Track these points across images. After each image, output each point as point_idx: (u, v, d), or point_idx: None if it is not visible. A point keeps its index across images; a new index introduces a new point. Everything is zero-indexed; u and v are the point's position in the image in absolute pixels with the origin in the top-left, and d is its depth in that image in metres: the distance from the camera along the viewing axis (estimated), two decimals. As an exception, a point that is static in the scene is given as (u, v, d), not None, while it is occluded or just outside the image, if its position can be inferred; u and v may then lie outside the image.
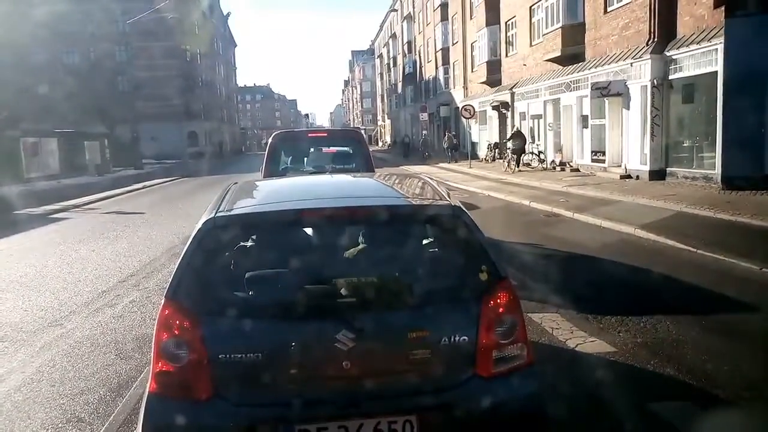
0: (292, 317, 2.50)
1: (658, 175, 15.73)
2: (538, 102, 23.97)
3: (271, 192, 3.78)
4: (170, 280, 2.54)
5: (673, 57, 14.86)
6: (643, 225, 9.90)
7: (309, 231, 3.30)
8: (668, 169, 15.68)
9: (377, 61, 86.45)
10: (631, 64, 16.35)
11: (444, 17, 40.65)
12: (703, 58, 13.77)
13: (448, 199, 3.03)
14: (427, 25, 46.96)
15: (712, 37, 13.18)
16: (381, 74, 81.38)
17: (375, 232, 3.23)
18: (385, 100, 78.05)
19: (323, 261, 3.02)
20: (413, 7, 53.11)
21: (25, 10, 33.35)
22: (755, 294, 6.18)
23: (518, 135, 22.67)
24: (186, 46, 54.43)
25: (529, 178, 19.43)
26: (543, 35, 22.25)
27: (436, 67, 43.55)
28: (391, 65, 68.06)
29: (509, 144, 22.92)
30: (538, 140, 24.73)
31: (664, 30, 15.21)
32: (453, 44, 39.31)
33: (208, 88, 63.39)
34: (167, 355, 2.45)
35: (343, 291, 2.60)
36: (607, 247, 8.88)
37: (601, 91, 17.53)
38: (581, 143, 20.48)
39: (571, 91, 20.52)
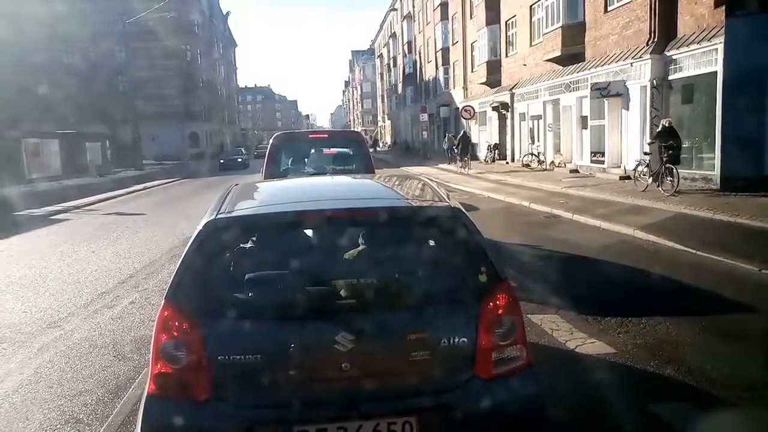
0: (292, 318, 2.51)
1: (657, 176, 15.71)
2: (537, 102, 23.97)
3: (272, 194, 3.79)
4: (170, 281, 2.55)
5: (673, 57, 14.86)
6: (643, 226, 9.90)
7: (309, 232, 3.30)
8: (668, 170, 15.66)
9: (377, 61, 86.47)
10: (631, 64, 16.35)
11: (444, 17, 40.66)
12: (702, 58, 13.76)
13: (447, 200, 3.04)
14: (427, 24, 46.96)
15: (712, 37, 13.18)
16: (381, 74, 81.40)
17: (375, 234, 3.23)
18: (386, 101, 78.07)
19: (323, 262, 3.02)
20: (413, 7, 53.13)
21: (25, 10, 33.35)
22: (754, 295, 6.17)
23: (672, 132, 13.50)
24: (186, 46, 54.41)
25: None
26: (543, 35, 22.26)
27: (436, 68, 43.56)
28: (391, 65, 68.07)
29: (653, 146, 13.95)
30: (538, 141, 24.75)
31: (664, 30, 15.21)
32: (453, 44, 39.31)
33: (208, 88, 63.37)
34: (166, 356, 2.45)
35: (342, 292, 2.61)
36: (606, 249, 8.87)
37: (601, 91, 17.54)
38: (581, 144, 20.49)
39: (570, 91, 20.52)
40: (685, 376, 4.18)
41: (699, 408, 3.76)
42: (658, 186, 13.49)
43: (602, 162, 18.81)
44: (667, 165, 13.21)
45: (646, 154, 14.38)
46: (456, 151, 27.04)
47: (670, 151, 13.12)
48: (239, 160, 40.33)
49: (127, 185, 26.05)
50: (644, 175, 14.23)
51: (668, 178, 13.19)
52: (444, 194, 3.19)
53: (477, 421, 2.44)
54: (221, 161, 40.34)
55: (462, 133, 28.90)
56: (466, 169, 24.98)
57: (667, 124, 13.67)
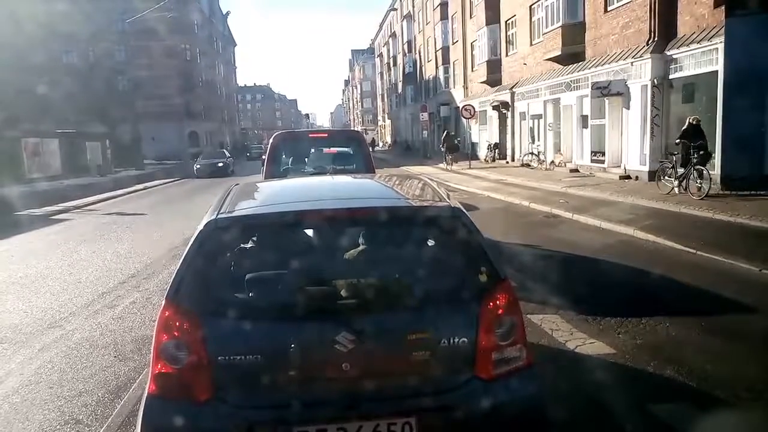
0: (292, 319, 2.51)
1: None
2: (538, 102, 23.96)
3: (272, 193, 3.79)
4: (171, 281, 2.55)
5: (674, 56, 14.86)
6: (643, 226, 9.90)
7: (309, 232, 3.30)
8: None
9: (377, 60, 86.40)
10: (632, 63, 16.35)
11: (444, 16, 40.63)
12: (703, 58, 13.76)
13: (447, 200, 3.04)
14: (427, 24, 46.93)
15: (712, 37, 13.18)
16: (381, 74, 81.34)
17: (375, 234, 3.23)
18: (386, 100, 78.02)
19: (323, 262, 3.02)
20: (413, 6, 53.10)
21: (25, 9, 33.38)
22: (754, 295, 6.16)
23: (699, 131, 12.77)
24: (185, 45, 54.39)
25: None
26: (543, 34, 22.25)
27: (436, 67, 43.54)
28: (391, 65, 68.02)
29: (681, 146, 12.79)
30: (538, 140, 24.75)
31: (665, 29, 15.21)
32: (453, 43, 39.29)
33: (208, 87, 63.34)
34: (167, 356, 2.45)
35: (343, 292, 2.61)
36: (606, 249, 8.87)
37: (601, 90, 17.53)
38: (581, 143, 20.48)
39: (571, 90, 20.52)
40: (685, 376, 4.18)
41: (699, 408, 3.76)
42: (685, 189, 12.61)
43: (602, 161, 18.80)
44: (697, 167, 12.29)
45: (671, 154, 13.43)
46: (443, 150, 28.88)
47: (701, 152, 12.29)
48: (219, 164, 31.59)
49: (127, 185, 26.04)
50: (669, 176, 13.37)
51: (698, 181, 12.23)
52: (444, 194, 3.19)
53: (477, 422, 2.44)
54: (197, 167, 31.26)
55: (446, 133, 30.18)
56: (451, 166, 27.11)
57: (694, 122, 12.70)
